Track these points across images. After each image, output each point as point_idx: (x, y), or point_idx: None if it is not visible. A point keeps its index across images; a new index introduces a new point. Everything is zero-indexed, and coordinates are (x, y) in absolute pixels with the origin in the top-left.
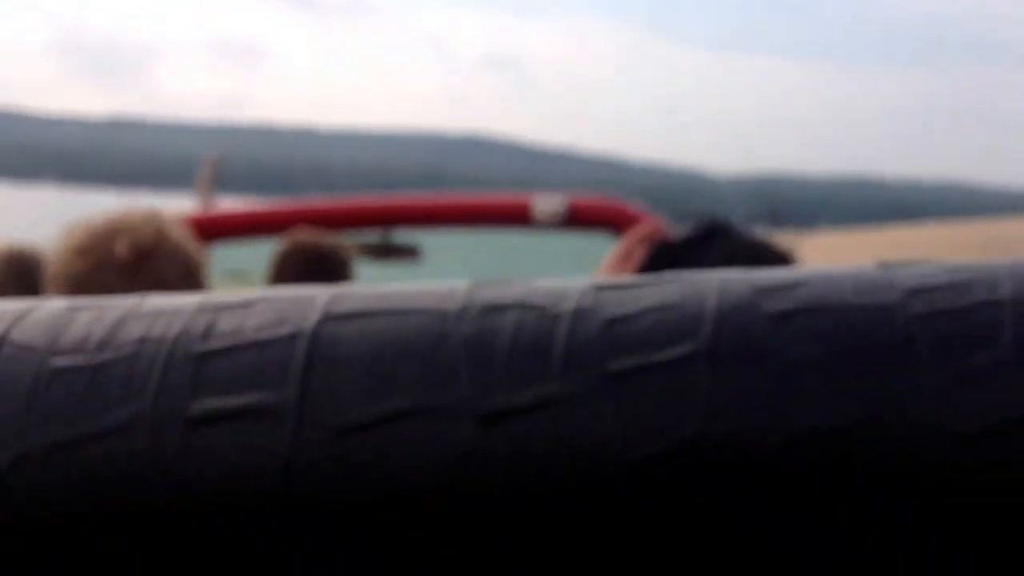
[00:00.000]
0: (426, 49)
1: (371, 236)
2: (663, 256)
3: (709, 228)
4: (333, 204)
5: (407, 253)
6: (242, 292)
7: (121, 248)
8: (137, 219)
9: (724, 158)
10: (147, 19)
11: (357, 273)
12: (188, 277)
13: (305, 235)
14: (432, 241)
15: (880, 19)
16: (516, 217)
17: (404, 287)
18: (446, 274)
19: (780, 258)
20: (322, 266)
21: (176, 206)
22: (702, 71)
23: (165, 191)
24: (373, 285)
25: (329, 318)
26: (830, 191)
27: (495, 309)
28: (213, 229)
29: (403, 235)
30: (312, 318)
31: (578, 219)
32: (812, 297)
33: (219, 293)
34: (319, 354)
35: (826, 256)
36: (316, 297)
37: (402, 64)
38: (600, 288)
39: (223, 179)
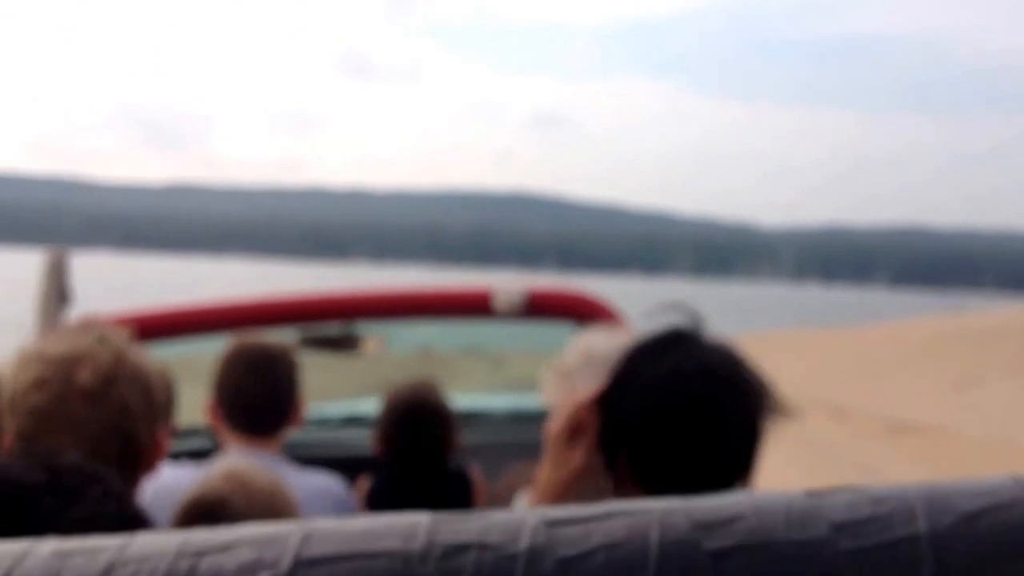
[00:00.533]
0: (474, 110)
1: (331, 329)
2: (628, 365)
3: (669, 337)
4: (293, 299)
5: (349, 344)
6: (220, 533)
7: (83, 377)
8: (93, 345)
9: (774, 211)
10: (203, 88)
11: (325, 364)
12: (148, 394)
13: (250, 335)
14: (396, 330)
15: (925, 67)
16: (476, 308)
17: (370, 523)
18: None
19: (737, 369)
20: (267, 366)
21: (231, 269)
22: (748, 125)
23: (221, 254)
24: (342, 521)
25: (300, 563)
26: (883, 241)
27: (456, 550)
28: (167, 326)
29: (362, 327)
30: (285, 562)
31: (538, 310)
32: (748, 533)
33: (199, 534)
34: None
35: (883, 335)
36: (289, 538)
37: (451, 125)
38: (551, 524)
39: (278, 241)
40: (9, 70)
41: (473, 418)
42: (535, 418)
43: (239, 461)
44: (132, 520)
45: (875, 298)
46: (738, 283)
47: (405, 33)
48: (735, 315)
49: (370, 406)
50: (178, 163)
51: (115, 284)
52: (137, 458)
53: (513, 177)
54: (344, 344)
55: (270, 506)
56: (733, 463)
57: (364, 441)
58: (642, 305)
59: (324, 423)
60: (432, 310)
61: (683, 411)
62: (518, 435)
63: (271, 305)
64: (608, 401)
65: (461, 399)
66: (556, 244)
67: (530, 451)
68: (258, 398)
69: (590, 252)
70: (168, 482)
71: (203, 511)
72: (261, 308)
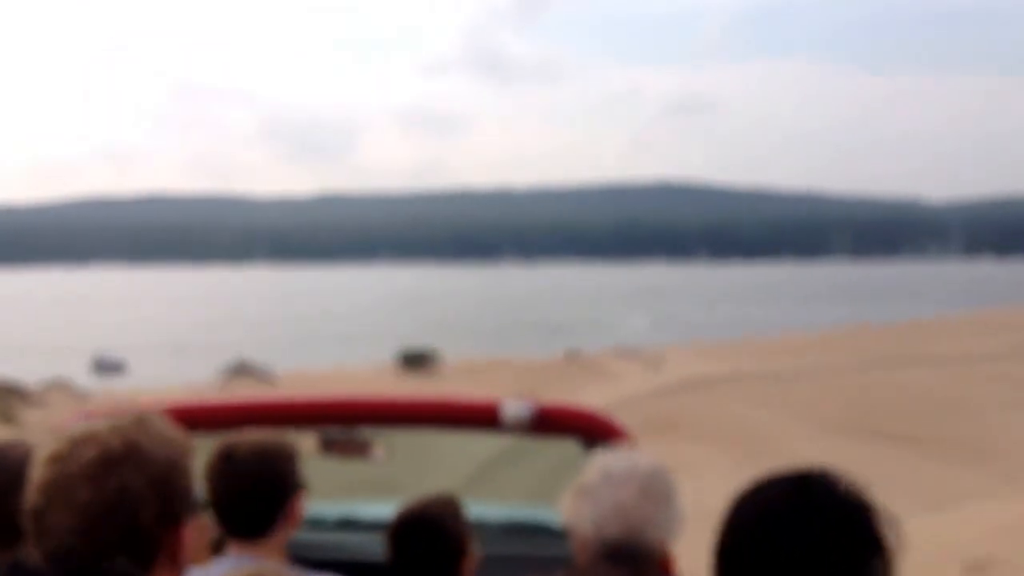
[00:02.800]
0: (612, 102)
1: (332, 434)
2: (743, 537)
3: (798, 484)
4: (300, 400)
5: (359, 449)
6: None
7: (87, 456)
8: (107, 429)
9: (938, 185)
10: (346, 98)
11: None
12: (159, 483)
13: (243, 434)
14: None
15: None
16: (484, 421)
17: None
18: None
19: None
20: (249, 466)
21: (381, 274)
22: (902, 98)
23: (370, 261)
24: None
25: None
26: None
27: None
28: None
29: (370, 433)
30: None
31: (546, 425)
32: None
33: None
34: None
35: None
36: None
37: (590, 118)
38: None
39: (425, 245)
40: (166, 93)
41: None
42: (532, 531)
43: (248, 566)
44: None
45: None
46: (904, 262)
47: (538, 30)
48: (904, 297)
49: (376, 510)
50: (325, 173)
51: (271, 295)
52: (145, 548)
53: (657, 167)
54: (355, 449)
55: None
56: None
57: (369, 546)
58: (800, 291)
59: (329, 525)
60: (439, 419)
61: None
62: (513, 548)
63: (282, 406)
64: (729, 554)
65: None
66: (705, 232)
67: (525, 566)
68: (239, 500)
69: (741, 238)
70: None
71: None
72: (271, 408)
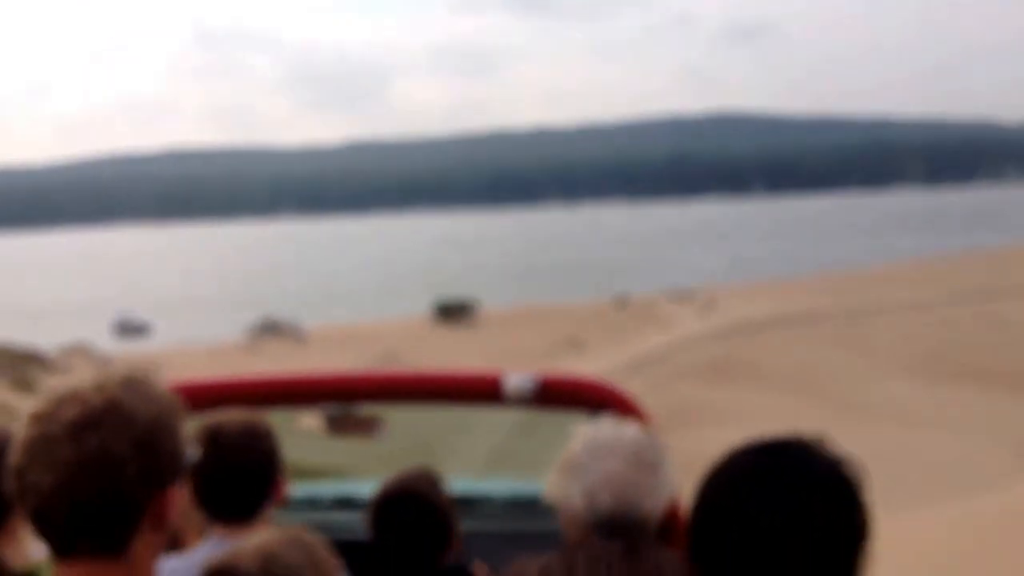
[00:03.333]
0: (661, 29)
1: (334, 411)
2: (715, 498)
3: (774, 449)
4: (298, 378)
5: (365, 425)
6: None
7: (67, 416)
8: (91, 387)
9: (1016, 106)
10: (375, 40)
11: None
12: (141, 445)
13: (225, 415)
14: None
15: None
16: (486, 394)
17: None
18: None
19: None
20: (231, 444)
21: (416, 223)
22: (974, 14)
23: (404, 209)
24: None
25: None
26: None
27: None
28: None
29: (372, 409)
30: None
31: (550, 398)
32: None
33: None
34: None
35: None
36: None
37: (638, 49)
38: None
39: (463, 191)
40: (187, 41)
41: (469, 504)
42: (538, 505)
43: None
44: None
45: None
46: (981, 188)
47: None
48: (985, 224)
49: (365, 488)
50: (354, 120)
51: (300, 249)
52: (128, 510)
53: (711, 97)
54: (361, 426)
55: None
56: None
57: (357, 525)
58: (870, 223)
59: (326, 504)
60: (440, 394)
61: (781, 547)
62: (519, 523)
63: (283, 383)
64: (701, 525)
65: (456, 483)
66: (763, 165)
67: (533, 541)
68: (227, 482)
69: (803, 170)
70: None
71: None
72: (272, 386)
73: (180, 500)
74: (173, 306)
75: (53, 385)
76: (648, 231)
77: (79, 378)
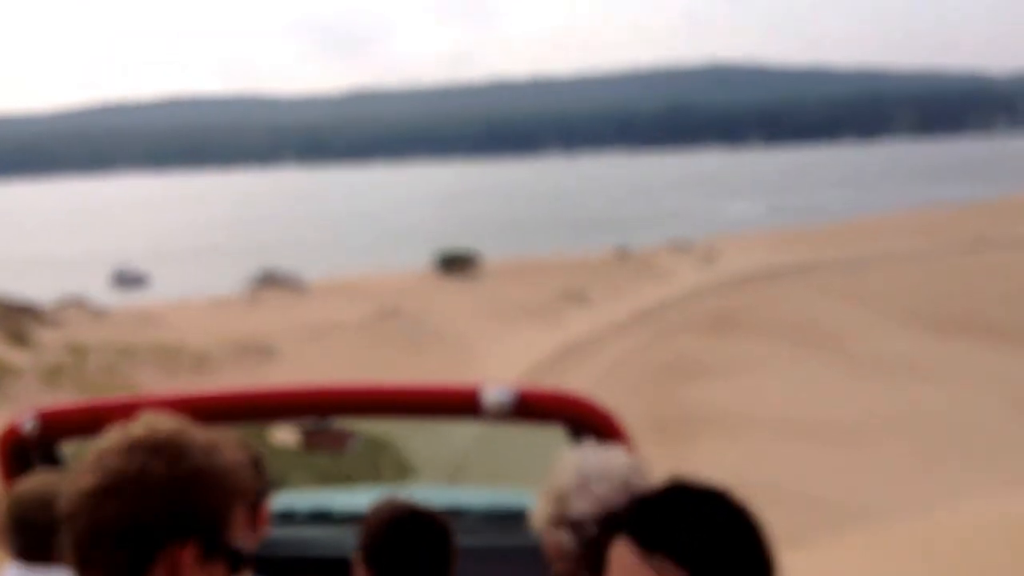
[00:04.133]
0: None
1: (307, 425)
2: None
3: (685, 492)
4: (272, 391)
5: (339, 440)
6: None
7: (132, 434)
8: (168, 422)
9: (1007, 57)
10: None
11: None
12: (183, 482)
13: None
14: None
15: None
16: (464, 408)
17: None
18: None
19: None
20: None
21: (416, 173)
22: None
23: (404, 158)
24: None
25: None
26: None
27: None
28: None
29: (346, 423)
30: None
31: (529, 411)
32: None
33: None
34: None
35: None
36: None
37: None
38: None
39: (462, 140)
40: None
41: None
42: (517, 518)
43: None
44: None
45: None
46: (971, 139)
47: None
48: (972, 176)
49: (350, 502)
50: (356, 69)
51: (301, 198)
52: (144, 558)
53: (704, 47)
54: (333, 441)
55: None
56: None
57: (344, 540)
58: (863, 173)
59: (301, 519)
60: (417, 408)
61: None
62: (497, 537)
63: (252, 397)
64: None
65: (433, 494)
66: (759, 115)
67: (511, 556)
68: None
69: (797, 120)
70: None
71: None
72: (240, 400)
73: (192, 557)
74: (172, 257)
75: (50, 340)
76: (647, 181)
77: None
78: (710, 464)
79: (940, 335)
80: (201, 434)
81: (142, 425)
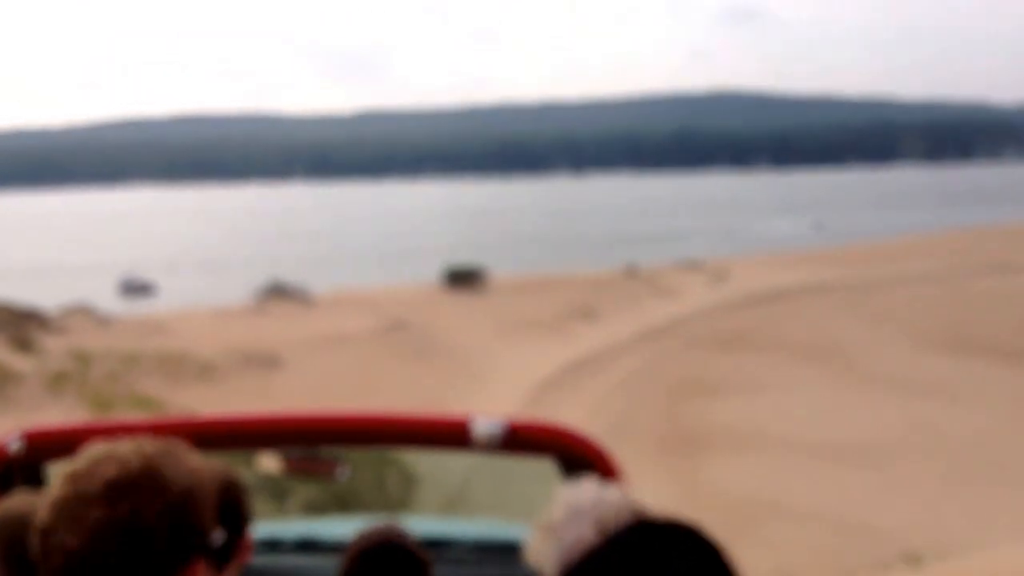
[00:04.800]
0: (664, 9)
1: (294, 453)
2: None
3: (656, 531)
4: (260, 418)
5: (326, 467)
6: None
7: (104, 475)
8: (129, 450)
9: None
10: (385, 13)
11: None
12: (174, 514)
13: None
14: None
15: None
16: (454, 439)
17: None
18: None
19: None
20: (223, 495)
21: (425, 190)
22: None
23: (412, 177)
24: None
25: None
26: None
27: None
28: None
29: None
30: None
31: (519, 443)
32: None
33: None
34: None
35: None
36: None
37: (641, 27)
38: None
39: (472, 160)
40: (201, 11)
41: (434, 547)
42: (505, 550)
43: None
44: None
45: None
46: (978, 166)
47: None
48: (986, 201)
49: (338, 531)
50: (366, 91)
51: (310, 214)
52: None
53: (712, 76)
54: (320, 468)
55: None
56: None
57: (332, 570)
58: (871, 198)
59: (288, 547)
60: (406, 438)
61: None
62: (486, 568)
63: (238, 423)
64: None
65: (422, 525)
66: (767, 141)
67: None
68: None
69: (806, 146)
70: None
71: None
72: (227, 427)
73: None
74: (180, 268)
75: (54, 346)
76: (655, 202)
77: (118, 443)
78: (717, 481)
79: (954, 356)
80: (171, 456)
81: (112, 463)
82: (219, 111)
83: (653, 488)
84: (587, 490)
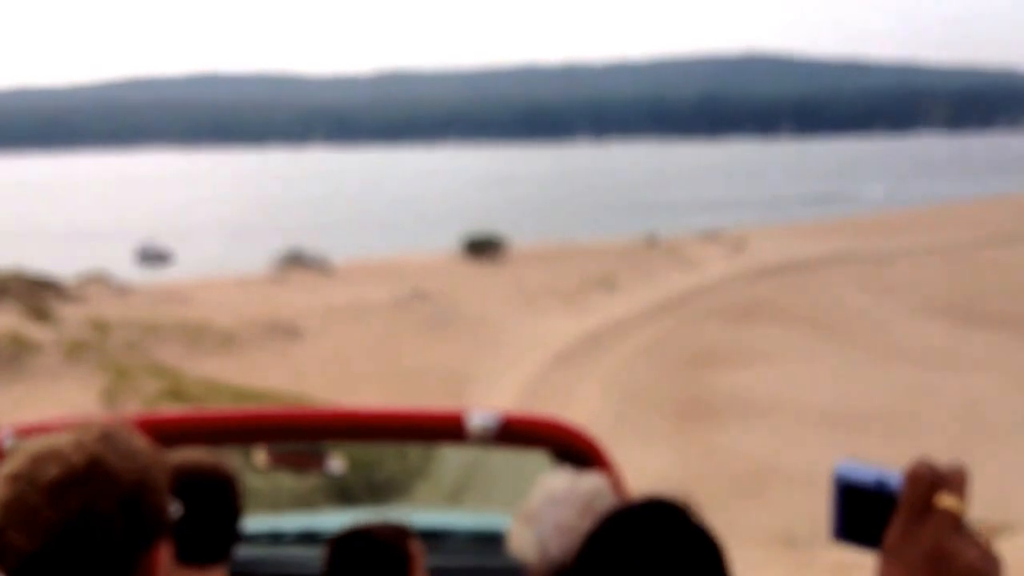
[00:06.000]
0: None
1: (296, 447)
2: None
3: (650, 517)
4: (252, 414)
5: (311, 460)
6: None
7: (48, 474)
8: (71, 444)
9: None
10: None
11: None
12: (127, 504)
13: (182, 455)
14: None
15: None
16: (448, 433)
17: None
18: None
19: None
20: (216, 489)
21: (447, 156)
22: None
23: (436, 142)
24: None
25: None
26: None
27: None
28: None
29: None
30: None
31: (513, 436)
32: None
33: None
34: None
35: None
36: None
37: None
38: None
39: (494, 125)
40: None
41: (432, 538)
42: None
43: None
44: None
45: None
46: (1001, 135)
47: None
48: (1006, 171)
49: (339, 522)
50: (387, 53)
51: (330, 179)
52: (115, 571)
53: (740, 38)
54: (308, 462)
55: None
56: None
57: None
58: (892, 166)
59: (289, 539)
60: (404, 434)
61: None
62: (483, 558)
63: (231, 419)
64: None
65: (419, 516)
66: (792, 106)
67: None
68: (197, 525)
69: (830, 112)
70: None
71: None
72: (219, 422)
73: (166, 557)
74: (198, 234)
75: (71, 315)
76: (678, 169)
77: (55, 438)
78: (731, 447)
79: (970, 328)
80: (114, 444)
81: (53, 461)
82: (237, 71)
83: (670, 453)
84: (561, 479)
